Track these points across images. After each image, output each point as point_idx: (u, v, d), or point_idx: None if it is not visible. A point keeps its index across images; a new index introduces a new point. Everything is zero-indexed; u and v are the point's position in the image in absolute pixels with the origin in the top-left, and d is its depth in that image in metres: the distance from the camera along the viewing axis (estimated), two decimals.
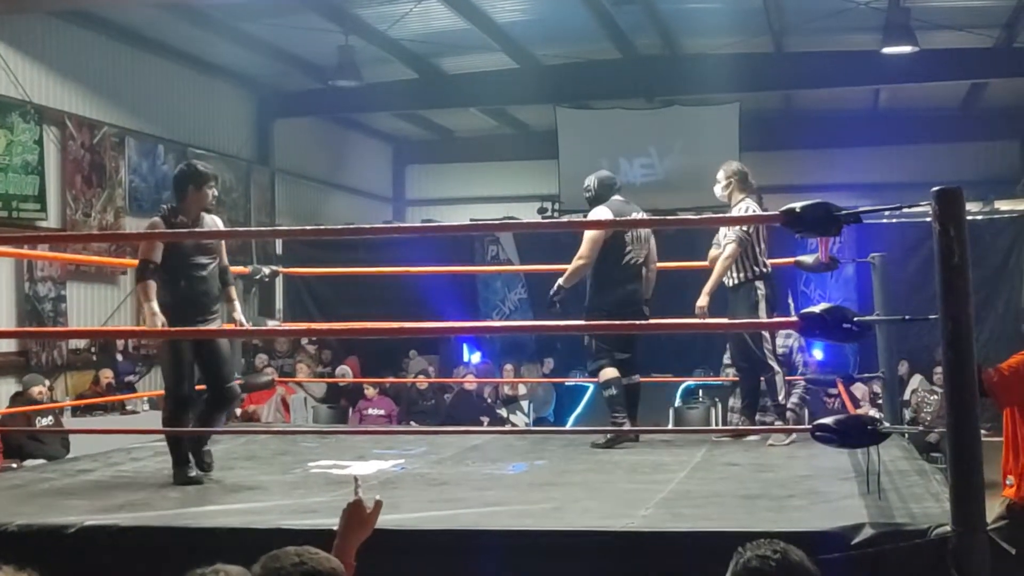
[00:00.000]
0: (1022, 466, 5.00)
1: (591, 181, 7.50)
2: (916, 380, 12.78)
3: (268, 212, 16.53)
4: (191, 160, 6.23)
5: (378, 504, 3.26)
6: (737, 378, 7.61)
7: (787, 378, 7.52)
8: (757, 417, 7.45)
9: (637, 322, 5.14)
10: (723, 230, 7.15)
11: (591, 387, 13.83)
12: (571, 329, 5.06)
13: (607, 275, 7.12)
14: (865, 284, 9.67)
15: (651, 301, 7.28)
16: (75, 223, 12.41)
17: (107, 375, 11.78)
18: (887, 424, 5.31)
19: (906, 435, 6.83)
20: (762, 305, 6.96)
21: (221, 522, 4.44)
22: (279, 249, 15.12)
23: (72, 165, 12.50)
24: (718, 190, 7.34)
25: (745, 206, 7.09)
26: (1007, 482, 5.14)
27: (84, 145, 12.70)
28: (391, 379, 13.61)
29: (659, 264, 7.72)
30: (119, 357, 12.94)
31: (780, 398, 7.04)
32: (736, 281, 7.04)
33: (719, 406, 12.43)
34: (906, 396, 12.31)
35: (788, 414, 7.42)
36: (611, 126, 17.78)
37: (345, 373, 13.90)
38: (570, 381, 13.57)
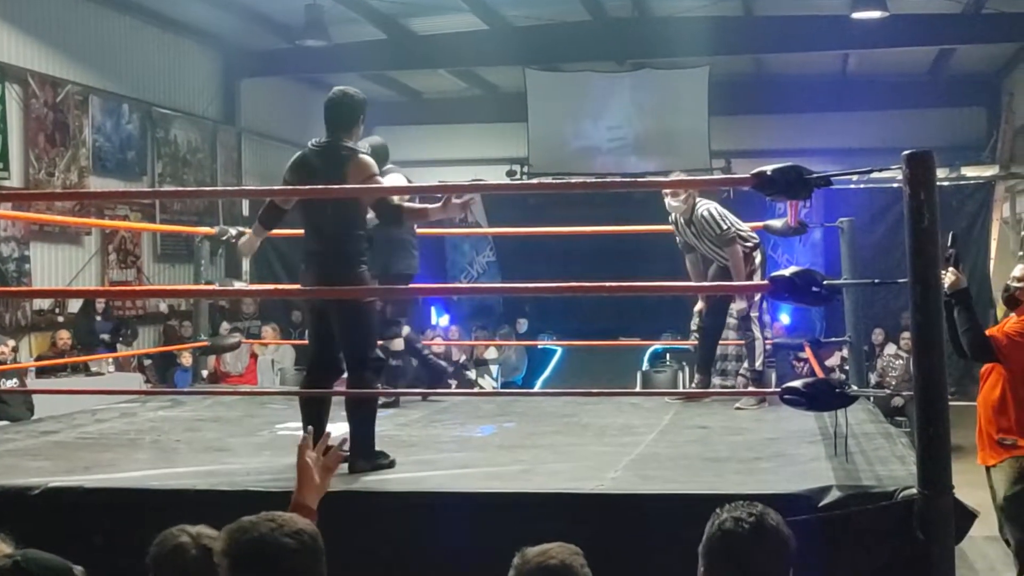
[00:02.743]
0: None
1: (366, 147, 7.39)
2: (892, 348, 12.84)
3: (235, 172, 16.40)
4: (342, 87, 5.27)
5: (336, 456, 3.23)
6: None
7: (738, 342, 7.58)
8: (719, 381, 7.51)
9: (624, 284, 5.13)
10: (702, 240, 7.07)
11: (559, 351, 13.88)
12: (539, 291, 5.06)
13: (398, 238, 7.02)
14: (833, 249, 9.70)
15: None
16: (38, 182, 12.26)
17: (63, 336, 11.66)
18: (854, 388, 5.33)
19: (871, 399, 6.87)
20: (759, 274, 7.01)
21: (188, 484, 4.41)
22: (246, 210, 15.02)
23: (35, 124, 12.34)
24: (675, 203, 7.06)
25: (707, 207, 7.04)
26: (1006, 443, 5.19)
27: (47, 103, 12.54)
28: None
29: (628, 228, 7.73)
30: (98, 318, 12.82)
31: (757, 364, 7.07)
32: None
33: (686, 370, 12.48)
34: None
35: (739, 379, 7.48)
36: (580, 88, 17.75)
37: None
38: (539, 344, 13.59)
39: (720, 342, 7.45)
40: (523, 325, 14.59)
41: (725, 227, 6.94)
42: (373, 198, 4.98)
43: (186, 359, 12.27)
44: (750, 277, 6.96)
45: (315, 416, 4.75)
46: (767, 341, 7.44)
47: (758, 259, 7.09)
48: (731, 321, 7.28)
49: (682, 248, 7.28)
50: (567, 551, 2.76)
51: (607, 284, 4.66)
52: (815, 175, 3.90)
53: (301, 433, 5.80)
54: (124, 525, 4.05)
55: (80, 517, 4.19)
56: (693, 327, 7.78)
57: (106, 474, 4.71)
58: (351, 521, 3.34)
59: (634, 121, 17.96)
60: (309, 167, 5.12)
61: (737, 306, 7.12)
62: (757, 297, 7.13)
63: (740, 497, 3.02)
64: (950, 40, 15.54)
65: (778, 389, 4.13)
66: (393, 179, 7.24)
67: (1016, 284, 5.28)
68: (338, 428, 6.01)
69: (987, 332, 5.26)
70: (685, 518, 3.22)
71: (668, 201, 7.08)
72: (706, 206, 7.02)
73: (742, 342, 7.32)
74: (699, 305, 7.43)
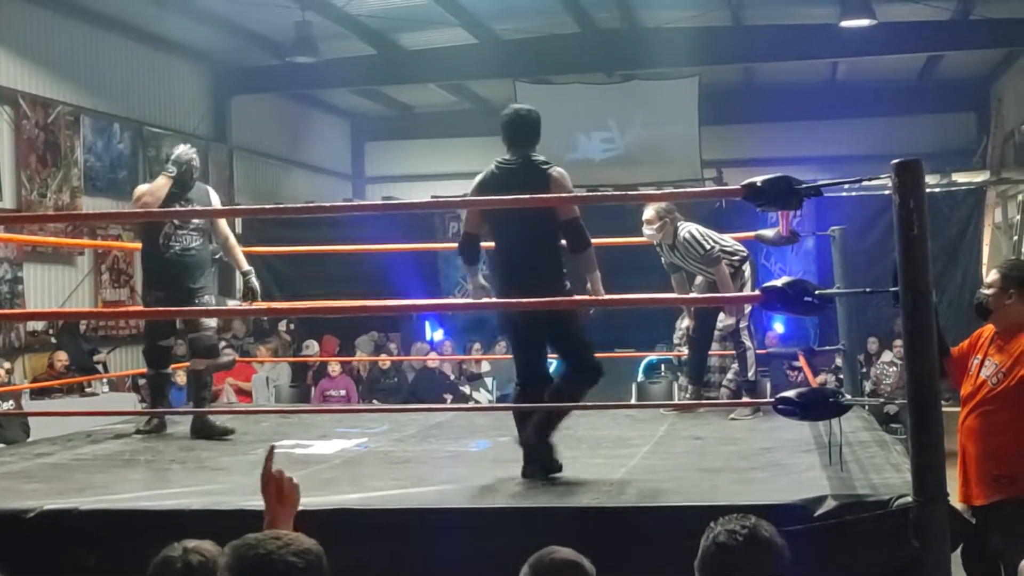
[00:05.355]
0: None
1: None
2: (888, 356, 12.84)
3: (226, 190, 16.37)
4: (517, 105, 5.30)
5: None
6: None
7: (724, 353, 7.59)
8: (702, 392, 7.54)
9: (619, 296, 5.14)
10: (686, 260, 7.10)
11: (554, 363, 13.85)
12: (533, 305, 5.02)
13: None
14: (825, 256, 9.72)
15: None
16: (30, 204, 12.26)
17: (61, 358, 11.64)
18: (848, 396, 5.34)
19: (866, 406, 6.88)
20: (749, 285, 7.04)
21: (183, 503, 4.39)
22: (239, 228, 15.02)
23: (26, 145, 12.33)
24: (650, 231, 7.06)
25: (689, 229, 7.05)
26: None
27: (38, 124, 12.54)
28: (354, 358, 13.58)
29: (621, 240, 7.76)
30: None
31: (750, 374, 7.10)
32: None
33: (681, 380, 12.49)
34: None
35: (723, 390, 7.49)
36: (571, 101, 17.76)
37: (311, 347, 13.87)
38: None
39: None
40: None
41: (708, 247, 6.97)
42: (567, 215, 4.91)
43: (181, 378, 12.23)
44: (739, 291, 6.98)
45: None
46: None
47: (747, 272, 7.13)
48: (716, 333, 7.31)
49: (668, 268, 7.29)
50: (572, 551, 2.80)
51: (601, 297, 4.65)
52: (805, 185, 3.90)
53: (297, 451, 5.84)
54: (118, 547, 4.04)
55: (74, 539, 4.17)
56: (676, 340, 7.79)
57: (100, 496, 4.69)
58: (345, 538, 3.33)
59: (625, 132, 17.99)
60: (503, 184, 4.95)
61: (725, 322, 7.14)
62: (747, 310, 7.15)
63: (735, 508, 3.02)
64: (938, 47, 15.60)
65: (771, 399, 4.13)
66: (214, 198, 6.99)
67: (987, 292, 4.71)
68: (330, 446, 6.02)
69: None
70: (681, 530, 3.22)
71: (644, 230, 7.09)
72: (687, 228, 7.05)
73: (725, 353, 7.34)
74: (687, 322, 7.44)
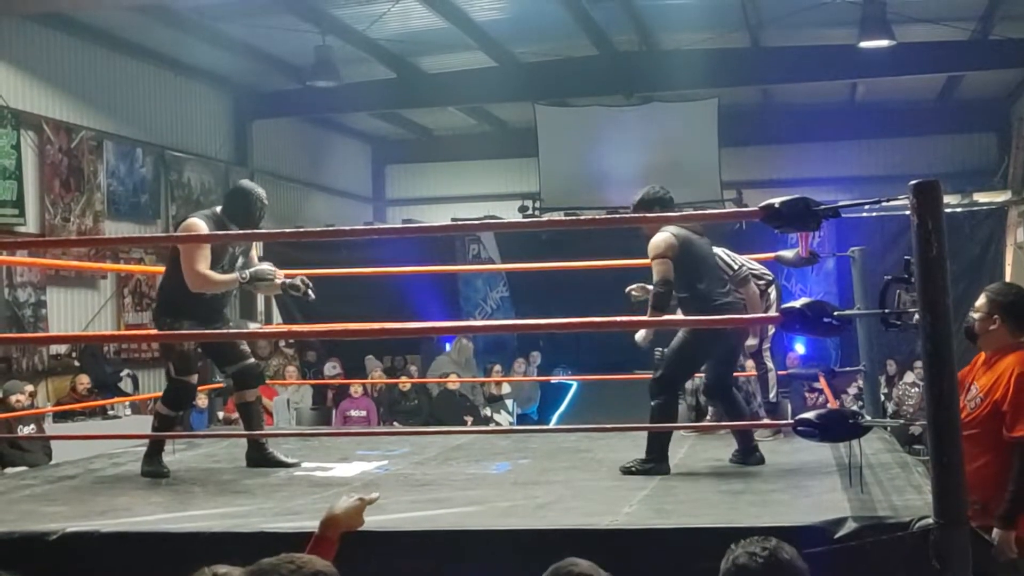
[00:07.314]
0: None
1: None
2: (910, 377, 12.77)
3: None
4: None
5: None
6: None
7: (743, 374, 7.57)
8: (711, 410, 7.54)
9: (638, 318, 5.18)
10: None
11: (574, 384, 13.86)
12: (553, 327, 5.05)
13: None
14: (846, 276, 9.69)
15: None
16: (54, 228, 12.36)
17: (83, 381, 11.70)
18: (869, 417, 5.31)
19: (888, 427, 6.85)
20: (774, 309, 7.02)
21: (204, 526, 4.41)
22: (260, 251, 15.06)
23: (50, 169, 12.44)
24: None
25: (716, 252, 7.04)
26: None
27: (62, 149, 12.65)
28: (375, 380, 13.60)
29: (641, 261, 7.75)
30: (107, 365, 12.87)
31: (771, 396, 7.08)
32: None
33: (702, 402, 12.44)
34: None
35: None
36: (590, 123, 17.80)
37: (335, 367, 13.92)
38: (554, 379, 13.58)
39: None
40: (536, 359, 14.58)
41: (737, 267, 6.94)
42: None
43: (202, 401, 12.29)
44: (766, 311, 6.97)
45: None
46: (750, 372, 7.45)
47: (773, 295, 7.12)
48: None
49: None
50: (591, 564, 2.82)
51: (620, 319, 4.66)
52: (823, 206, 3.89)
53: (318, 474, 5.86)
54: (140, 569, 4.06)
55: (97, 563, 4.19)
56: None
57: (122, 518, 4.71)
58: (364, 561, 3.34)
59: (644, 154, 17.97)
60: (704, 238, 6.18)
61: (748, 342, 7.13)
62: (771, 331, 7.14)
63: (755, 530, 3.02)
64: (958, 67, 15.58)
65: (791, 421, 4.12)
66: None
67: (975, 315, 4.67)
68: (351, 468, 6.04)
69: None
70: (701, 552, 3.22)
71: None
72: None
73: (743, 375, 7.34)
74: None
